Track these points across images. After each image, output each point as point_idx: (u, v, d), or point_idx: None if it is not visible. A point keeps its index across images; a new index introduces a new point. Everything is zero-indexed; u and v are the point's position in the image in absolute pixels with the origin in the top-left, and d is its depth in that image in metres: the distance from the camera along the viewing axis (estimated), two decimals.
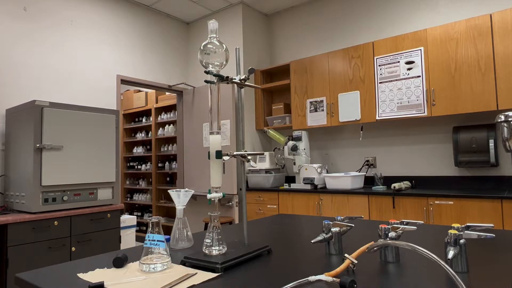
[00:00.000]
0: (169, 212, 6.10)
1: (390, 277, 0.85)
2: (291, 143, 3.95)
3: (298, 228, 1.54)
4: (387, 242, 0.88)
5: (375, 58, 3.57)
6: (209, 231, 1.01)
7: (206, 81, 1.04)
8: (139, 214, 6.23)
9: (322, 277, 0.80)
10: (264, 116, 4.57)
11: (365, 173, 3.80)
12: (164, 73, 4.71)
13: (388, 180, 3.76)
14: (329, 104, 3.87)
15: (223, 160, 1.02)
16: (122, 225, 3.63)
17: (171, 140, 6.03)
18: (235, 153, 1.05)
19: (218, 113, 1.06)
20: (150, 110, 6.17)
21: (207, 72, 1.03)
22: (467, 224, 0.97)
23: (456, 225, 0.92)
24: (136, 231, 6.03)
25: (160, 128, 5.90)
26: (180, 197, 1.20)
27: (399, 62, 3.42)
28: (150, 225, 0.99)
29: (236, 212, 4.25)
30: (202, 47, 1.04)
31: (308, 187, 3.73)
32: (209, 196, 1.00)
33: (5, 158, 3.13)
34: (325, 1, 4.38)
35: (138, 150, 6.26)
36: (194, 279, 0.87)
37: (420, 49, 3.31)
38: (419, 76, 3.30)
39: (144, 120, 6.29)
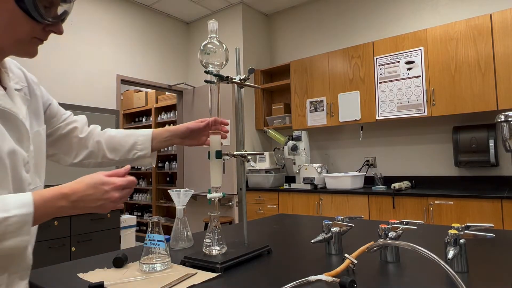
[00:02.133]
0: (169, 212, 6.10)
1: (390, 277, 0.85)
2: (291, 143, 3.95)
3: (298, 228, 1.54)
4: (387, 242, 0.88)
5: (375, 58, 3.57)
6: (209, 231, 1.01)
7: (206, 81, 1.04)
8: (139, 214, 6.23)
9: (322, 277, 0.80)
10: (264, 116, 4.57)
11: (365, 173, 3.80)
12: (164, 73, 4.71)
13: (388, 180, 3.75)
14: (329, 104, 3.87)
15: (223, 160, 1.02)
16: (122, 225, 3.63)
17: None
18: (235, 153, 1.05)
19: (218, 113, 1.06)
20: (150, 110, 6.17)
21: (207, 72, 1.03)
22: (467, 224, 0.97)
23: (456, 225, 0.92)
24: (136, 231, 6.02)
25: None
26: (180, 197, 1.20)
27: (399, 62, 3.42)
28: (150, 225, 0.99)
29: (236, 212, 4.25)
30: (202, 47, 1.04)
31: (308, 187, 3.73)
32: (209, 196, 1.00)
33: None
34: (325, 1, 4.38)
35: None
36: (194, 279, 0.87)
37: (420, 49, 3.31)
38: (419, 76, 3.30)
39: (144, 120, 6.29)
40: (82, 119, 1.13)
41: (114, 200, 0.74)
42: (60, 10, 0.78)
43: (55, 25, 0.77)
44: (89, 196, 0.72)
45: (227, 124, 1.06)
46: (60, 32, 0.79)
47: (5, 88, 0.80)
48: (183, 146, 1.27)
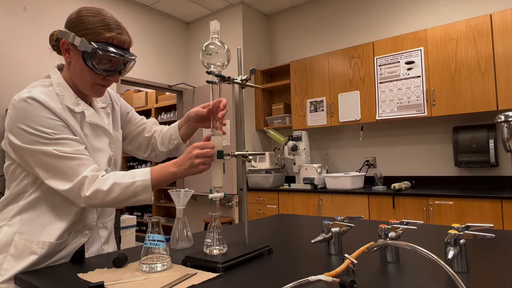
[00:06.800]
0: (169, 212, 6.10)
1: (390, 277, 0.85)
2: (291, 143, 3.95)
3: (298, 228, 1.54)
4: (387, 242, 0.88)
5: (375, 58, 3.57)
6: (210, 231, 1.01)
7: (208, 81, 1.04)
8: (139, 214, 6.23)
9: (322, 277, 0.80)
10: (264, 116, 4.57)
11: (365, 173, 3.80)
12: (164, 73, 4.71)
13: (388, 180, 3.75)
14: (329, 104, 3.87)
15: (224, 160, 1.03)
16: (122, 225, 3.63)
17: None
18: (236, 153, 1.05)
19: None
20: (150, 110, 6.17)
21: (209, 73, 1.03)
22: (467, 224, 0.98)
23: (456, 225, 0.92)
24: (136, 231, 6.02)
25: None
26: (180, 197, 1.20)
27: (399, 62, 3.42)
28: (150, 225, 0.99)
29: (236, 212, 4.25)
30: (204, 48, 1.04)
31: (308, 187, 3.73)
32: (210, 196, 1.00)
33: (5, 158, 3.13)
34: (325, 1, 4.38)
35: None
36: (194, 279, 0.87)
37: (420, 49, 3.31)
38: (419, 76, 3.30)
39: None
40: (150, 120, 1.42)
41: (196, 156, 0.98)
42: (119, 65, 1.08)
43: (111, 75, 1.08)
44: (184, 159, 1.01)
45: (225, 106, 1.07)
46: (115, 81, 1.11)
47: (93, 107, 1.16)
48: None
